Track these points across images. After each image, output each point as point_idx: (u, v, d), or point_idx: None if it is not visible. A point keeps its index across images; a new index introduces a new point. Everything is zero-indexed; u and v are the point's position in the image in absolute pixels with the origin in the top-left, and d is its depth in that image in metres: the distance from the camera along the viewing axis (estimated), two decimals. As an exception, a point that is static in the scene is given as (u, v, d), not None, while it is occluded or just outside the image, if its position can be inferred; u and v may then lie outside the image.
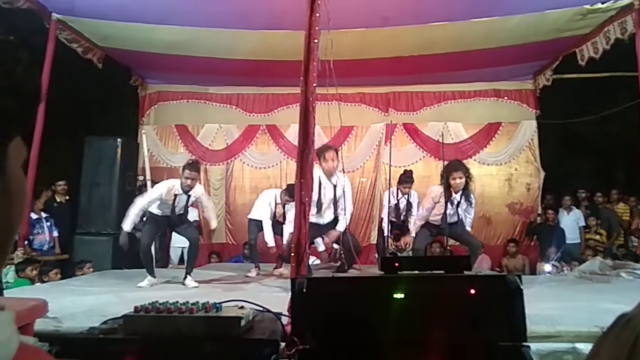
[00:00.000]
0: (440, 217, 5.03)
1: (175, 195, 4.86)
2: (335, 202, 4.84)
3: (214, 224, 5.47)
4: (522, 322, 2.03)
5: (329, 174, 4.81)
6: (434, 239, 6.02)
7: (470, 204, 5.21)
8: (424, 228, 5.24)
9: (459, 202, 5.07)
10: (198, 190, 5.04)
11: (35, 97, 0.52)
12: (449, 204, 4.98)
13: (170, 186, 4.88)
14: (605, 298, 3.67)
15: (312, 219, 4.65)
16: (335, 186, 4.84)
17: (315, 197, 4.64)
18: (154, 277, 4.90)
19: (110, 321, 2.21)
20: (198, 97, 8.61)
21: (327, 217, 4.87)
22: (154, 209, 4.96)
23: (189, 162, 4.98)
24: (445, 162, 5.30)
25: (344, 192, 4.83)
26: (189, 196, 4.94)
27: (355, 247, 4.84)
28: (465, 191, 5.08)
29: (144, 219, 5.14)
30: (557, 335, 2.65)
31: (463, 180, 4.97)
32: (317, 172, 4.69)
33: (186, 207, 5.04)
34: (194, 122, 8.63)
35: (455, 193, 5.05)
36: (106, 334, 2.08)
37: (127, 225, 4.89)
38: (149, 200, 4.93)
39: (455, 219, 5.10)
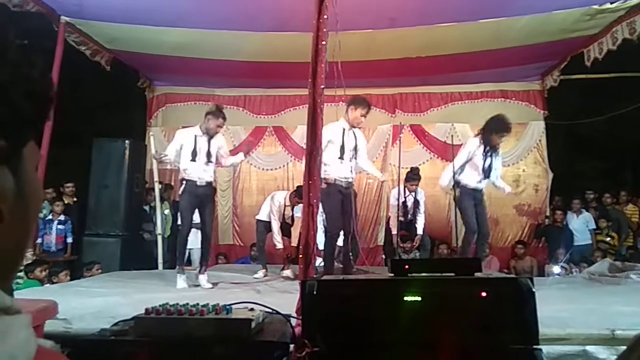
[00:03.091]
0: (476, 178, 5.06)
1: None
2: (355, 150, 4.94)
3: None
4: (534, 325, 2.02)
5: (352, 125, 4.91)
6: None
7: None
8: (465, 197, 5.14)
9: (490, 164, 5.08)
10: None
11: (49, 102, 0.52)
12: (486, 159, 5.03)
13: None
14: (615, 300, 3.64)
15: (334, 169, 4.74)
16: (356, 136, 4.97)
17: (338, 144, 4.79)
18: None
19: (121, 323, 2.21)
20: (205, 98, 8.62)
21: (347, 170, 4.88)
22: None
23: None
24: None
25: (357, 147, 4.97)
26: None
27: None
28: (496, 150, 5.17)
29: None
30: (568, 337, 2.64)
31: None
32: (342, 122, 4.87)
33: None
34: (201, 123, 8.64)
35: (494, 151, 5.10)
36: (117, 335, 2.09)
37: None
38: None
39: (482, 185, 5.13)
